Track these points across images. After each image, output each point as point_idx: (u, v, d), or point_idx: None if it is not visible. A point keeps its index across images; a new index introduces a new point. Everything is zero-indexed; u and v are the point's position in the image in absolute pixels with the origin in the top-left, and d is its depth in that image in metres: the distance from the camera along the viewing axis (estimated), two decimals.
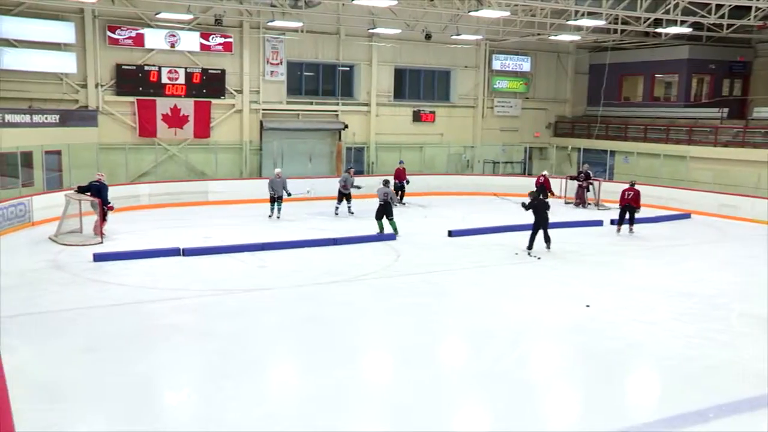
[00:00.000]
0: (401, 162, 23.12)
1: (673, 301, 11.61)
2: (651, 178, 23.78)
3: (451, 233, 17.01)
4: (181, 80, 22.94)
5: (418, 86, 28.52)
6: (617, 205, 18.35)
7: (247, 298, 11.29)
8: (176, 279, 12.46)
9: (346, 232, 16.99)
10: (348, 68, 26.57)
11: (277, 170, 19.59)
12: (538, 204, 15.17)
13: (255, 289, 11.85)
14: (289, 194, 18.97)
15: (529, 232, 15.19)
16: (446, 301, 11.41)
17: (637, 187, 18.11)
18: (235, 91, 24.09)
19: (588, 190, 22.93)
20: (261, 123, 24.60)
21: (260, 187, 22.36)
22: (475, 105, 28.98)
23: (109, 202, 16.00)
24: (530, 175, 27.73)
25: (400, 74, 27.66)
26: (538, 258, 14.66)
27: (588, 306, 11.02)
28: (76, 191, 16.16)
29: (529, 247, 15.06)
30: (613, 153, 26.84)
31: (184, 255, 14.13)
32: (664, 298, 11.78)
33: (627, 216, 17.81)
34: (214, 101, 23.62)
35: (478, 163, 28.58)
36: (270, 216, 18.99)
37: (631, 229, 17.86)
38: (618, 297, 11.77)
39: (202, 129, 23.46)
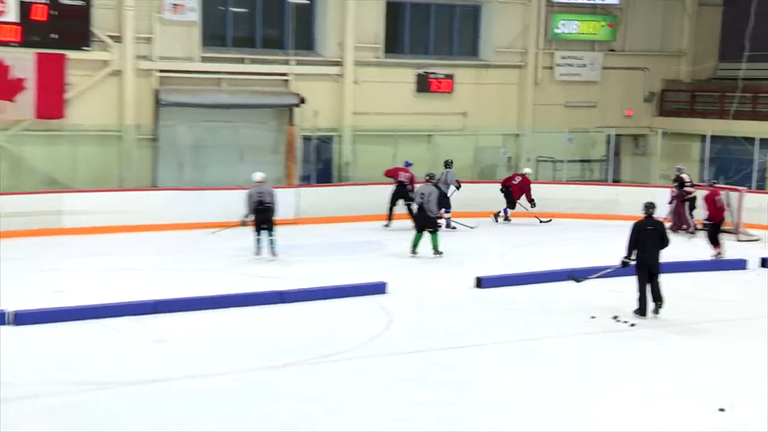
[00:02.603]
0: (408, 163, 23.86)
1: None
2: None
3: (480, 282, 17.07)
4: (12, 16, 23.01)
5: (426, 33, 28.75)
6: None
7: (132, 397, 11.21)
8: (2, 365, 12.35)
9: (304, 278, 17.05)
10: (307, 1, 26.75)
11: (260, 174, 19.66)
12: (647, 233, 15.04)
13: (146, 380, 11.79)
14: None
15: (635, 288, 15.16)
16: (475, 398, 11.36)
17: None
18: (109, 37, 24.19)
19: (694, 207, 23.07)
20: (156, 94, 24.70)
21: (153, 204, 22.41)
22: (522, 63, 29.18)
23: None
24: (617, 182, 27.83)
25: (395, 11, 27.92)
26: (631, 324, 14.68)
27: (723, 410, 11.00)
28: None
29: (640, 311, 15.01)
30: (764, 142, 26.81)
31: (16, 323, 14.02)
32: None
33: None
34: (71, 55, 23.74)
35: (527, 162, 28.58)
36: (257, 254, 19.30)
37: None
38: None
39: (52, 103, 23.55)
